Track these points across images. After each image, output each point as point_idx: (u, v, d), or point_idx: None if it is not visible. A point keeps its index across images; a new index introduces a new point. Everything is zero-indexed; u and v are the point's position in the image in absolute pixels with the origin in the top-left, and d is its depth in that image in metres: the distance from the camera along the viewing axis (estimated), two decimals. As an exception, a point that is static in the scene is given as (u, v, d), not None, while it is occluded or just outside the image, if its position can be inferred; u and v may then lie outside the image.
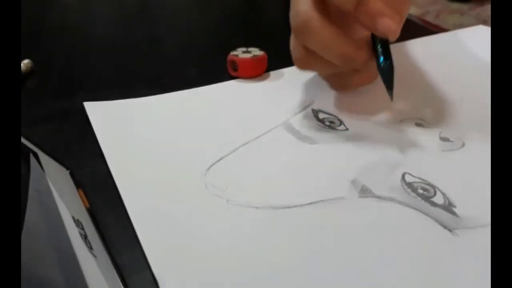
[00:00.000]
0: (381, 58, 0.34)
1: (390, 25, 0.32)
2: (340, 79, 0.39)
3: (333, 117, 0.37)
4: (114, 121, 0.37)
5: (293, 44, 0.36)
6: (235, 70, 0.43)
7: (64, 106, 0.39)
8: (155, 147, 0.34)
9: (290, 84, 0.42)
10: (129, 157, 0.33)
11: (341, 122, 0.36)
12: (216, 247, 0.26)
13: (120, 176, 0.31)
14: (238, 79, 0.43)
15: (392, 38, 0.33)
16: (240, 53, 0.43)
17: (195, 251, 0.26)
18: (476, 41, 0.47)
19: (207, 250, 0.26)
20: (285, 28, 0.58)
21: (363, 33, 0.35)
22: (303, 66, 0.37)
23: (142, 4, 0.67)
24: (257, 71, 0.43)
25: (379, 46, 0.34)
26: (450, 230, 0.26)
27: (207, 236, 0.27)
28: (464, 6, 2.10)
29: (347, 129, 0.35)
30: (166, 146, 0.34)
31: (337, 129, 0.35)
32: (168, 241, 0.26)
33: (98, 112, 0.38)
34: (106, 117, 0.37)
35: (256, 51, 0.43)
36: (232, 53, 0.43)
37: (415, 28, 0.52)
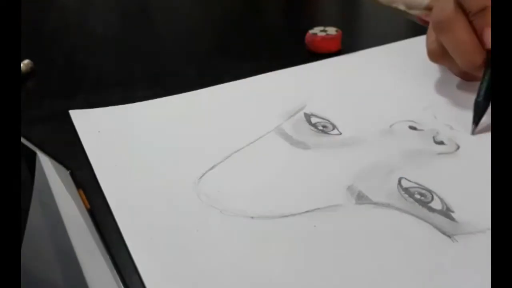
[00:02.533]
0: (482, 93, 0.34)
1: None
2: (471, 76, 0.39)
3: (326, 121, 0.36)
4: (101, 129, 0.36)
5: (430, 36, 0.38)
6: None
7: (64, 106, 0.39)
8: (144, 156, 0.33)
9: (281, 88, 0.41)
10: (118, 167, 0.32)
11: (334, 127, 0.35)
12: (211, 258, 0.25)
13: (109, 186, 0.30)
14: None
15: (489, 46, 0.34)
16: (319, 32, 0.47)
17: (191, 266, 0.25)
18: None
19: (202, 262, 0.25)
20: (284, 29, 0.58)
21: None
22: (434, 59, 0.39)
23: (142, 4, 0.67)
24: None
25: (487, 77, 0.35)
26: (449, 236, 0.26)
27: (202, 248, 0.26)
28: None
29: (340, 133, 0.35)
30: (155, 154, 0.33)
31: (330, 134, 0.35)
32: (163, 256, 0.26)
33: (84, 121, 0.37)
34: (92, 125, 0.36)
35: (332, 30, 0.48)
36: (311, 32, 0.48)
37: (415, 28, 0.52)
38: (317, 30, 0.48)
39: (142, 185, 0.30)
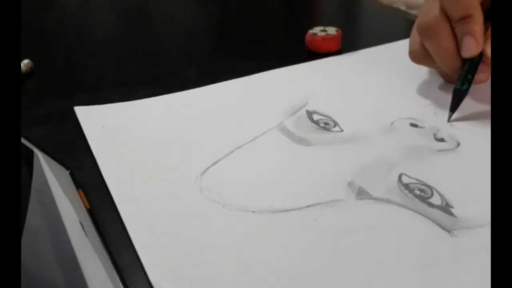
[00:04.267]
0: (460, 82, 0.36)
1: (472, 47, 0.34)
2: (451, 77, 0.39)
3: (328, 118, 0.36)
4: (105, 126, 0.36)
5: (413, 37, 0.38)
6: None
7: (64, 106, 0.39)
8: (147, 152, 0.33)
9: (283, 86, 0.41)
10: (122, 162, 0.32)
11: (335, 124, 0.36)
12: (214, 252, 0.26)
13: (114, 182, 0.31)
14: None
15: (466, 56, 0.35)
16: (319, 31, 0.47)
17: (194, 259, 0.25)
18: None
19: (204, 256, 0.26)
20: (284, 28, 0.58)
21: None
22: (416, 60, 0.39)
23: (142, 4, 0.67)
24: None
25: (465, 69, 0.36)
26: (448, 231, 0.26)
27: (204, 242, 0.26)
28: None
29: (342, 130, 0.35)
30: (159, 150, 0.34)
31: (332, 131, 0.35)
32: (166, 249, 0.26)
33: (89, 117, 0.37)
34: (97, 121, 0.37)
35: (332, 30, 0.48)
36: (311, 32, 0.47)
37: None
38: (317, 30, 0.48)
39: (145, 180, 0.31)
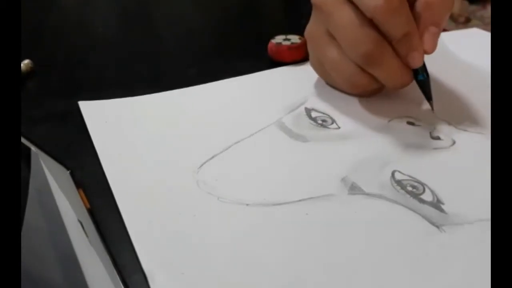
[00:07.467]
0: (419, 72, 0.35)
1: (419, 60, 0.34)
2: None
3: (326, 115, 0.37)
4: (108, 120, 0.37)
5: (347, 68, 0.35)
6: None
7: (64, 106, 0.39)
8: (148, 146, 0.34)
9: (283, 83, 0.42)
10: (122, 155, 0.33)
11: (333, 121, 0.36)
12: (208, 244, 0.26)
13: (113, 174, 0.31)
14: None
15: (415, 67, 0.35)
16: (282, 41, 0.45)
17: (187, 249, 0.26)
18: (469, 43, 0.48)
19: (198, 247, 0.26)
20: (283, 29, 0.58)
21: None
22: (361, 90, 0.37)
23: (142, 4, 0.67)
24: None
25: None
26: (437, 227, 0.27)
27: (199, 233, 0.27)
28: (469, 8, 2.09)
29: (339, 127, 0.35)
30: (159, 144, 0.34)
31: (329, 128, 0.36)
32: (160, 238, 0.27)
33: (92, 111, 0.38)
34: (100, 116, 0.38)
35: (295, 39, 0.45)
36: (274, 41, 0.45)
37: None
38: (279, 39, 0.46)
39: (144, 173, 0.32)
